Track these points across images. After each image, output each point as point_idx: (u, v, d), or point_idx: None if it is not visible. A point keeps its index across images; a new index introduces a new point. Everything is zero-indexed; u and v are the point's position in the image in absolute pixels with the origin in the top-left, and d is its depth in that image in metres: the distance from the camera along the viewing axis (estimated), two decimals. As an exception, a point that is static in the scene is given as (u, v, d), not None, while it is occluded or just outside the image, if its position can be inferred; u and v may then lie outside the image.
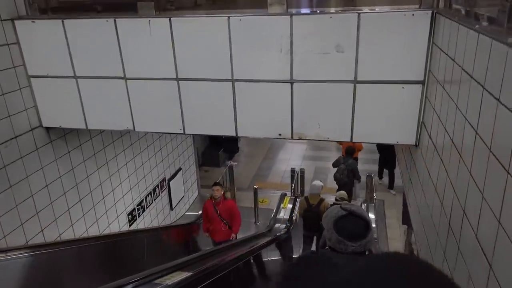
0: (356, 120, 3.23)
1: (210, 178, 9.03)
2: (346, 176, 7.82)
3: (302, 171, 8.41)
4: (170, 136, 6.57)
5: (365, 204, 7.46)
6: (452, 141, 2.02)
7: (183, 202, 7.24)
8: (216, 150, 10.94)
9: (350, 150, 8.04)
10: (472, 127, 1.66)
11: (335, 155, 11.48)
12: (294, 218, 6.58)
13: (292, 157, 11.34)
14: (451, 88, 2.14)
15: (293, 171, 8.36)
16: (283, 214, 6.85)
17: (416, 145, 3.11)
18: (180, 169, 7.00)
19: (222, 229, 5.87)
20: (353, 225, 1.64)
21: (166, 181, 6.55)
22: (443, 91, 2.33)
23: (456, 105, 1.97)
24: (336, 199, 6.46)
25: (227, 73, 3.32)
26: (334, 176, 8.05)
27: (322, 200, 6.38)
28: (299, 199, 7.36)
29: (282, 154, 11.64)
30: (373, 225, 6.18)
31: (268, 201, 9.03)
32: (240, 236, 6.00)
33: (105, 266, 3.97)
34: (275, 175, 10.39)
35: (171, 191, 6.62)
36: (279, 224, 6.26)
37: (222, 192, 5.84)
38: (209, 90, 3.45)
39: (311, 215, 6.27)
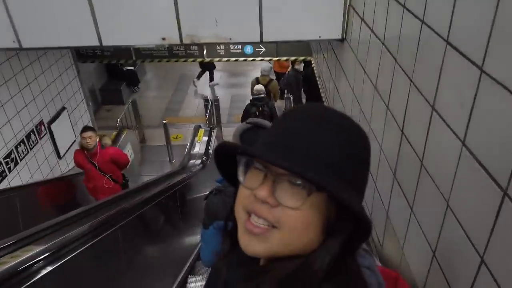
0: (265, 11, 2.37)
1: (113, 118, 7.75)
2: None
3: (216, 100, 7.54)
4: (41, 67, 5.11)
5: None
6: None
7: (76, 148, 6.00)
8: (117, 84, 9.45)
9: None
10: None
11: (251, 81, 10.75)
12: (210, 151, 5.84)
13: (206, 87, 10.34)
14: None
15: (206, 100, 7.46)
16: (198, 149, 6.08)
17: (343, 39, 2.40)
18: (64, 108, 5.65)
19: (106, 186, 4.45)
20: (258, 136, 1.38)
21: (45, 125, 5.23)
22: None
23: None
24: (253, 94, 6.09)
25: None
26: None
27: (271, 80, 7.20)
28: (215, 131, 6.60)
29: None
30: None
31: (183, 137, 8.13)
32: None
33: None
34: (188, 107, 9.40)
35: (55, 137, 5.34)
36: (194, 160, 5.49)
37: (98, 139, 4.38)
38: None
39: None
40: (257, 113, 6.15)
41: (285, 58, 6.59)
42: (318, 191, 0.58)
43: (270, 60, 6.64)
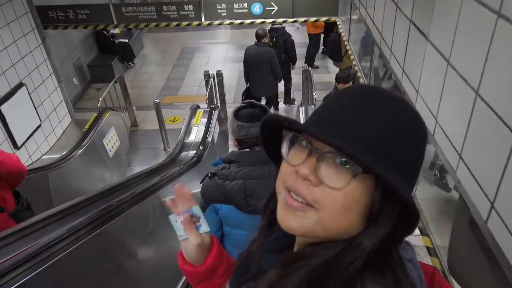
0: None
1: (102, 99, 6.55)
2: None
3: (219, 74, 6.24)
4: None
5: (303, 108, 5.60)
6: None
7: (42, 135, 4.83)
8: (108, 59, 8.21)
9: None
10: None
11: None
12: (209, 139, 4.61)
13: (210, 61, 9.02)
14: None
15: (207, 75, 6.17)
16: (195, 135, 4.84)
17: None
18: (21, 85, 4.45)
19: None
20: (251, 111, 1.70)
21: (-8, 106, 4.06)
22: None
23: None
24: None
25: None
26: None
27: None
28: (216, 111, 5.33)
29: (198, 59, 9.23)
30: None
31: (182, 119, 6.91)
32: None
33: None
34: (189, 85, 8.12)
35: (8, 121, 4.17)
36: (187, 152, 4.27)
37: None
38: None
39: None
40: (271, 44, 5.75)
41: (303, 19, 5.21)
42: (364, 173, 0.54)
43: (284, 21, 5.28)
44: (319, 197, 0.56)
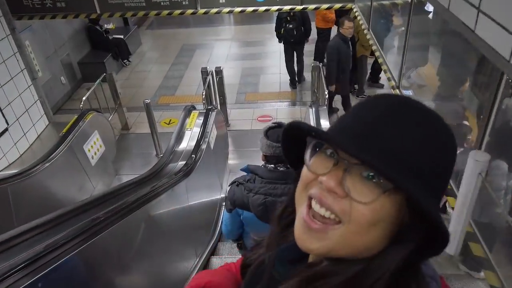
0: None
1: (96, 99, 5.92)
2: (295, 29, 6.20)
3: (219, 71, 5.55)
4: None
5: (313, 109, 4.87)
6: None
7: (10, 141, 4.16)
8: (101, 56, 7.57)
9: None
10: None
11: (269, 51, 8.69)
12: (203, 146, 3.92)
13: (212, 59, 8.34)
14: None
15: (205, 72, 5.48)
16: (187, 142, 4.16)
17: None
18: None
19: None
20: (279, 131, 1.75)
21: None
22: None
23: None
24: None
25: None
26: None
27: None
28: (213, 113, 4.64)
29: (198, 56, 8.56)
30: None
31: (178, 121, 6.22)
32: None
33: None
34: (188, 84, 7.45)
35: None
36: (176, 163, 3.57)
37: None
38: None
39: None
40: (288, 18, 5.94)
41: (313, 6, 4.50)
42: (394, 190, 0.52)
43: (291, 9, 4.56)
44: (347, 210, 0.53)
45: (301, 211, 0.57)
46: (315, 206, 0.55)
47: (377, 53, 3.27)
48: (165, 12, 4.55)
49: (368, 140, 0.52)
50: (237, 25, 10.63)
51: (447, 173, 0.56)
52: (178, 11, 4.51)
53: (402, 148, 0.52)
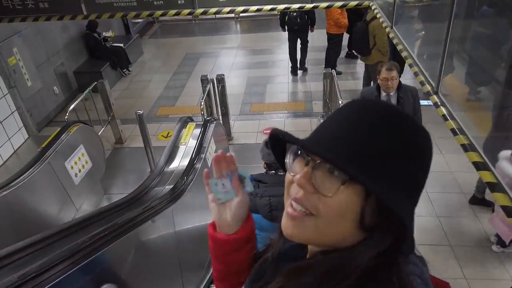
0: None
1: (91, 110, 5.46)
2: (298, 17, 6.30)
3: (220, 79, 5.02)
4: None
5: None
6: None
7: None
8: (98, 66, 7.13)
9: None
10: None
11: (277, 59, 8.17)
12: (197, 165, 3.36)
13: (216, 68, 7.85)
14: None
15: (205, 80, 4.97)
16: (180, 158, 3.61)
17: None
18: None
19: None
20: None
21: None
22: None
23: None
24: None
25: None
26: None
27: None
28: (212, 125, 4.09)
29: (202, 64, 8.08)
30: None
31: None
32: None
33: None
34: (190, 94, 6.95)
35: None
36: (162, 187, 3.00)
37: None
38: None
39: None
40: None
41: (325, 4, 3.96)
42: (351, 181, 0.57)
43: (300, 8, 4.02)
44: (316, 204, 0.60)
45: (287, 205, 0.65)
46: (293, 203, 0.63)
47: (404, 53, 2.70)
48: (159, 12, 4.06)
49: (331, 141, 0.59)
50: (244, 33, 10.19)
51: (415, 168, 0.60)
52: (174, 11, 4.02)
53: (360, 144, 0.57)
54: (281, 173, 2.04)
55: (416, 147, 0.59)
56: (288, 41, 6.84)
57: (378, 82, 3.28)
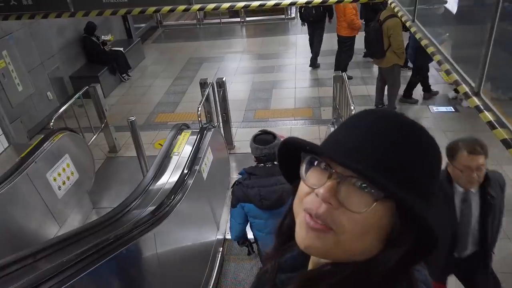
0: None
1: (89, 117, 5.13)
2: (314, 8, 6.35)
3: (221, 83, 4.63)
4: None
5: (335, 128, 3.83)
6: None
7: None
8: (95, 70, 6.80)
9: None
10: None
11: (284, 63, 7.78)
12: (189, 181, 2.94)
13: (219, 73, 7.47)
14: None
15: (204, 83, 4.57)
16: (171, 171, 3.20)
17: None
18: None
19: None
20: (264, 137, 2.32)
21: None
22: None
23: None
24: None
25: None
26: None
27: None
28: (210, 133, 3.68)
29: (205, 69, 7.71)
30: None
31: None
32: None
33: None
34: (191, 100, 6.57)
35: None
36: (143, 209, 2.57)
37: None
38: None
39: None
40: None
41: (336, -1, 3.55)
42: (385, 198, 0.55)
43: (308, 4, 3.61)
44: (339, 220, 0.56)
45: (300, 217, 0.60)
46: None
47: (430, 49, 2.27)
48: (152, 9, 3.69)
49: (359, 153, 0.56)
50: (250, 37, 9.84)
51: (434, 179, 0.61)
52: (168, 8, 3.64)
53: (393, 160, 0.55)
54: (268, 165, 2.29)
55: (434, 156, 0.60)
56: (308, 34, 6.97)
57: (450, 170, 2.01)
